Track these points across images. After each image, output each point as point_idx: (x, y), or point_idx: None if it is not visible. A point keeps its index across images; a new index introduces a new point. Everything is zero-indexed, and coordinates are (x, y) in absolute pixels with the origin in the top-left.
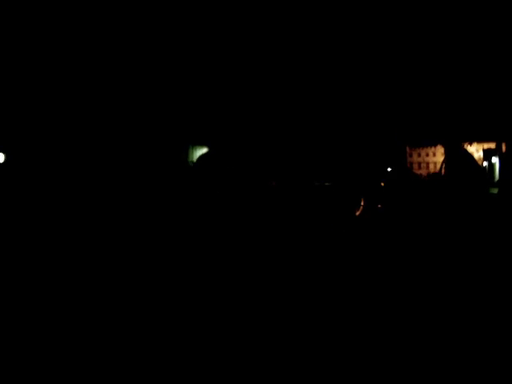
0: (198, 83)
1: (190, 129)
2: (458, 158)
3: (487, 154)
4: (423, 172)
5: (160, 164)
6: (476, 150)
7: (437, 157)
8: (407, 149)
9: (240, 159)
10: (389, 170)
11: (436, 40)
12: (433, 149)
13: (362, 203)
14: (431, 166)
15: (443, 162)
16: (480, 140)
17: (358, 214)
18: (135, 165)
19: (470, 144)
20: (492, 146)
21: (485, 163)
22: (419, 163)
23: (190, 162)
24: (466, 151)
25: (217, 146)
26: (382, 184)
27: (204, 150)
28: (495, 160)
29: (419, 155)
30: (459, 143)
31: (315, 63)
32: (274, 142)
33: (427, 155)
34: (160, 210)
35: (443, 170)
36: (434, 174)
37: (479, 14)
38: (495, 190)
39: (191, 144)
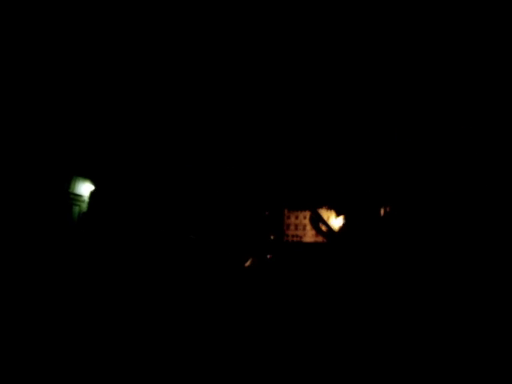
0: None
1: (75, 157)
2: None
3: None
4: (299, 233)
5: (36, 194)
6: (327, 217)
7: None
8: (285, 211)
9: (126, 199)
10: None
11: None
12: (308, 212)
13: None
14: (307, 228)
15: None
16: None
17: (246, 265)
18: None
19: (329, 209)
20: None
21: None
22: (296, 225)
23: (70, 192)
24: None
25: (102, 182)
26: (272, 237)
27: (87, 184)
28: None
29: (296, 217)
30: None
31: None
32: (155, 186)
33: (304, 218)
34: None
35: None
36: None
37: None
38: None
39: (74, 174)
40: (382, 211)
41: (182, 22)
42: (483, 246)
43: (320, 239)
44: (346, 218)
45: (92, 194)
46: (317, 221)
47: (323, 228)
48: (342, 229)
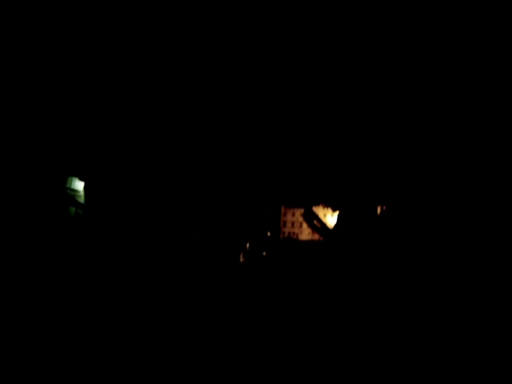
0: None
1: (70, 159)
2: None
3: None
4: (296, 230)
5: (36, 190)
6: (324, 215)
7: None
8: (283, 208)
9: (120, 197)
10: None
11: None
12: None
13: (247, 249)
14: (304, 226)
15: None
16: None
17: (243, 259)
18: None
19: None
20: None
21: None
22: (292, 222)
23: (68, 188)
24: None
25: (93, 178)
26: (268, 233)
27: (80, 182)
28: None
29: (293, 215)
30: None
31: None
32: (151, 185)
33: (301, 215)
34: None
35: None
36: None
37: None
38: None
39: (69, 175)
40: (379, 210)
41: (180, 22)
42: (483, 246)
43: (316, 237)
44: (341, 216)
45: (85, 188)
46: (311, 218)
47: (318, 225)
48: (337, 226)
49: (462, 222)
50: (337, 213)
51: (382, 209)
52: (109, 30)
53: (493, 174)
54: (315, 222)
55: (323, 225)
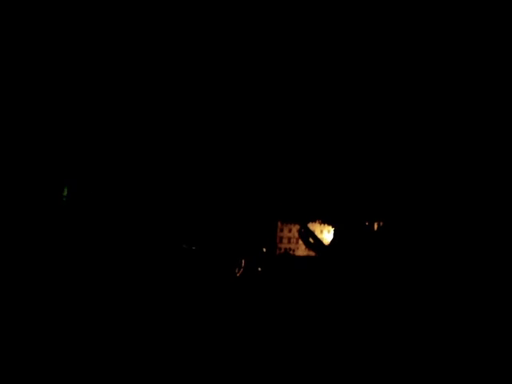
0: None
1: (68, 164)
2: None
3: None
4: (292, 246)
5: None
6: (320, 231)
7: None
8: (279, 224)
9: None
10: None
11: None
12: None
13: (243, 265)
14: (300, 241)
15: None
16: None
17: (238, 274)
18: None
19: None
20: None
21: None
22: (289, 238)
23: (64, 196)
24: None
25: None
26: (264, 250)
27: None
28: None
29: (290, 230)
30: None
31: None
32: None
33: (298, 231)
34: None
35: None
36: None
37: None
38: None
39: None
40: (376, 226)
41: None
42: (485, 267)
43: (313, 253)
44: (337, 232)
45: (66, 197)
46: (306, 235)
47: (313, 242)
48: (333, 242)
49: (461, 240)
50: (333, 229)
51: (378, 225)
52: (97, 40)
53: (492, 189)
54: (310, 239)
55: (319, 241)
